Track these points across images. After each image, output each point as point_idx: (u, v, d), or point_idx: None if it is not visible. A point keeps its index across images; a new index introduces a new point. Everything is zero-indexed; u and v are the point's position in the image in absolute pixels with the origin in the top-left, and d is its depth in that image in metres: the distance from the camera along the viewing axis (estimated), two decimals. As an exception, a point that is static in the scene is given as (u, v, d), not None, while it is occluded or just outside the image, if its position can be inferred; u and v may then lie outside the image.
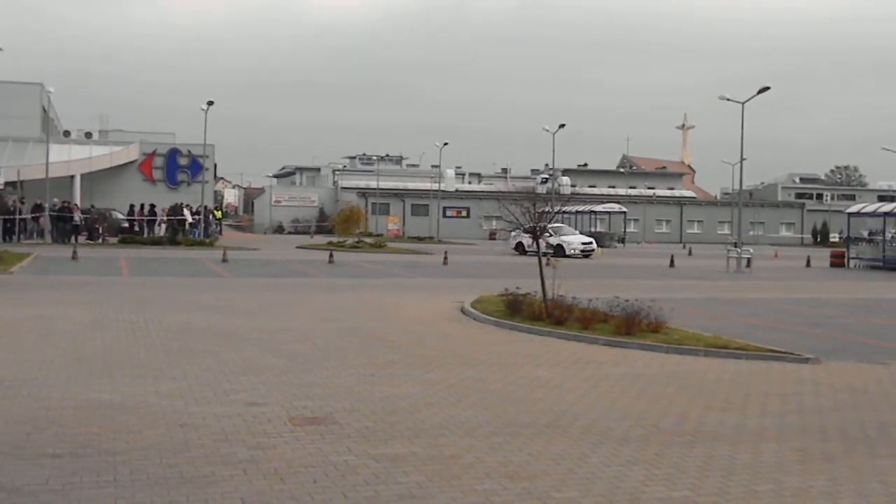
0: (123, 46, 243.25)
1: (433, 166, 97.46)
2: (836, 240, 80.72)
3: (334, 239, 56.06)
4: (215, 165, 70.19)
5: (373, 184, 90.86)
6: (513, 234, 50.85)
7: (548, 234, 47.26)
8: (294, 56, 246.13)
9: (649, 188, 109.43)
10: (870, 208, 50.86)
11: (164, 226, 52.13)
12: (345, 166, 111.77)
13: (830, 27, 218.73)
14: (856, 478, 7.24)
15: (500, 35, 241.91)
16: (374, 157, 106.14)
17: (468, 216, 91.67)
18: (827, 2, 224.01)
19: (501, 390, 10.48)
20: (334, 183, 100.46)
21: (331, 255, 38.26)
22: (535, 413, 9.26)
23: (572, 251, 47.04)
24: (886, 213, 47.27)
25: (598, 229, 74.32)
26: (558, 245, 46.57)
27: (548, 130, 69.20)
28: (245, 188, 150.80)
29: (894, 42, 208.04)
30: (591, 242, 50.30)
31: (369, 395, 9.96)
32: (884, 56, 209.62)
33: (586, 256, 47.55)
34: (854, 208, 51.80)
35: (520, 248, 48.76)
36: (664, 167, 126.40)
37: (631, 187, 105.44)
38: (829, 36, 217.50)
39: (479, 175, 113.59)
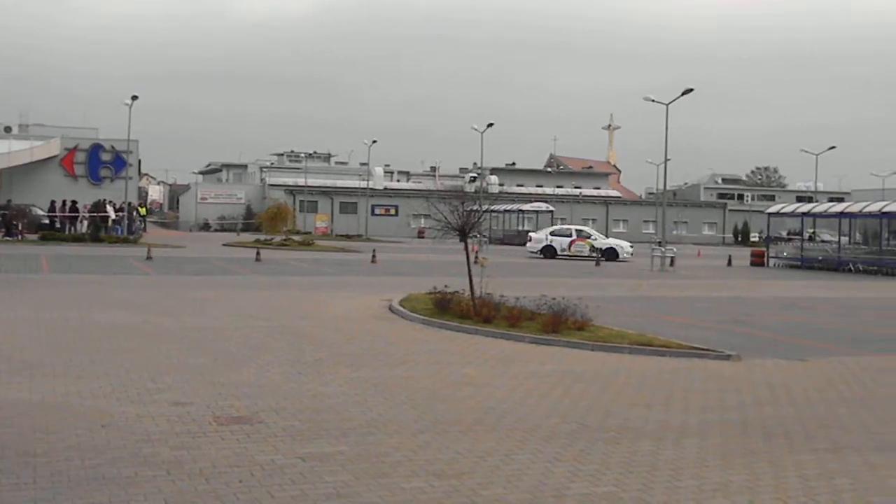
0: (51, 38, 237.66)
1: (362, 164, 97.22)
2: (757, 239, 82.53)
3: (261, 237, 55.49)
4: (139, 161, 68.84)
5: (301, 181, 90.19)
6: (535, 235, 50.13)
7: (592, 238, 47.66)
8: (223, 50, 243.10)
9: (576, 187, 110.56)
10: (788, 209, 52.22)
11: (86, 223, 50.99)
12: (272, 163, 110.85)
13: (751, 36, 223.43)
14: (775, 472, 7.41)
15: (430, 33, 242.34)
16: (303, 155, 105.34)
17: (397, 214, 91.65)
18: (752, 10, 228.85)
19: (429, 388, 10.51)
20: (261, 180, 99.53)
21: (258, 253, 37.89)
22: (463, 411, 9.30)
23: (626, 255, 46.35)
24: (804, 214, 48.64)
25: (526, 228, 74.92)
26: (610, 249, 46.34)
27: (476, 129, 69.48)
28: (170, 185, 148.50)
29: (812, 48, 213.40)
30: (633, 245, 49.85)
31: (296, 393, 9.90)
32: (803, 61, 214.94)
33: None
34: (773, 209, 53.11)
35: (548, 252, 47.05)
36: (591, 167, 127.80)
37: (558, 186, 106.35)
38: (752, 44, 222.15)
39: (407, 173, 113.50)
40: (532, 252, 47.45)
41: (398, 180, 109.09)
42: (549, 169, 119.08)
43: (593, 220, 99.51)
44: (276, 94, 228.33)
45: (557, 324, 15.14)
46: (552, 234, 49.06)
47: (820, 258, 44.67)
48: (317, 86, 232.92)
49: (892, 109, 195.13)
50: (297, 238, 54.42)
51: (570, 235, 48.01)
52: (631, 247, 48.08)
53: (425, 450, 7.69)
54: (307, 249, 48.37)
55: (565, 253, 46.97)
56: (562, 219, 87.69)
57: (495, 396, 10.12)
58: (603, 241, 47.79)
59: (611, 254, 45.76)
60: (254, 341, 13.79)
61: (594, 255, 45.22)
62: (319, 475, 6.83)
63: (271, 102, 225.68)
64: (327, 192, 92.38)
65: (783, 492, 6.88)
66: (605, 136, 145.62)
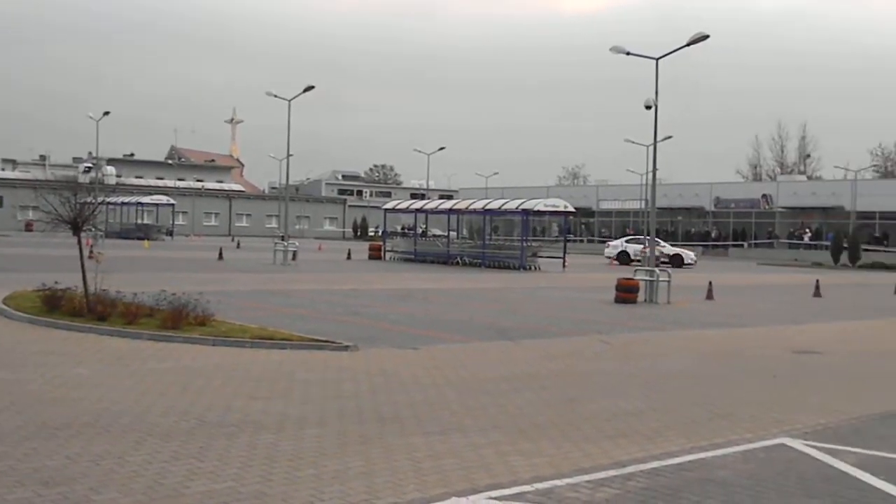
0: None
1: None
2: (374, 234, 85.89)
3: None
4: None
5: None
6: (612, 242, 54.54)
7: (661, 246, 51.22)
8: None
9: (198, 181, 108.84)
10: (403, 205, 55.07)
11: None
12: None
13: (373, 46, 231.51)
14: (388, 456, 7.79)
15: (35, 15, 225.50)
16: None
17: (1, 206, 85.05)
18: (361, 18, 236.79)
19: (37, 391, 9.90)
20: None
21: None
22: (74, 413, 8.86)
23: (690, 261, 50.62)
24: (417, 210, 51.52)
25: (146, 221, 72.50)
26: (676, 255, 50.72)
27: (92, 118, 66.04)
28: None
29: (424, 52, 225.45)
30: (695, 254, 54.97)
31: None
32: (410, 66, 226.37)
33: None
34: (390, 205, 55.76)
35: (623, 258, 51.39)
36: (213, 160, 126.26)
37: (179, 179, 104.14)
38: (373, 54, 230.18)
39: (13, 162, 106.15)
40: (609, 257, 52.87)
41: (3, 169, 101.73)
42: (170, 161, 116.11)
43: (216, 213, 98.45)
44: None
45: (178, 320, 14.85)
46: (627, 241, 54.18)
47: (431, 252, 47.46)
48: None
49: (497, 115, 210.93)
50: None
51: (642, 243, 51.32)
52: (694, 255, 53.14)
53: (32, 457, 7.23)
54: None
55: (637, 258, 49.71)
56: (183, 212, 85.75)
57: (110, 397, 9.74)
58: (670, 249, 52.45)
59: (677, 260, 50.14)
60: None
61: (664, 260, 49.41)
62: None
63: None
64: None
65: (395, 475, 7.25)
66: (229, 130, 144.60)
